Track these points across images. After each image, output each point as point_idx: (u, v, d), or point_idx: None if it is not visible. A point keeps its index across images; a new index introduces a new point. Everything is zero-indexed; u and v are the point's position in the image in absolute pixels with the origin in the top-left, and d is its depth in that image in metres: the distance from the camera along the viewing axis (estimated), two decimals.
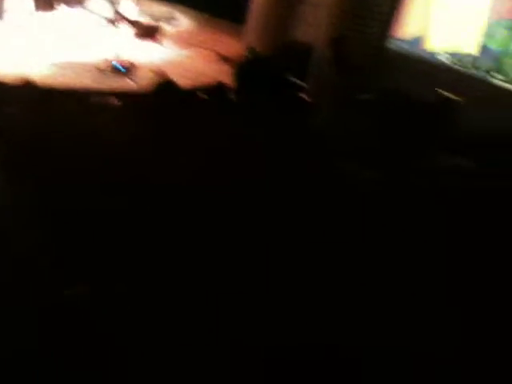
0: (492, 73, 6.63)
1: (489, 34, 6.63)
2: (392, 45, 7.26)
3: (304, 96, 5.99)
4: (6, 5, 8.32)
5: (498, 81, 6.60)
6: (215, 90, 3.77)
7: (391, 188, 2.65)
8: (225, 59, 8.06)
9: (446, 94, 5.89)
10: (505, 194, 2.92)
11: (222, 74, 6.04)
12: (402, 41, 7.25)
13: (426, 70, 6.84)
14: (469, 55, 6.80)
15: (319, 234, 2.38)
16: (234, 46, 8.69)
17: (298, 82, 6.61)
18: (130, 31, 9.04)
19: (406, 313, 1.98)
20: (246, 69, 3.19)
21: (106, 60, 7.01)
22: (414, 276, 2.25)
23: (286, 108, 3.56)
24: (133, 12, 9.41)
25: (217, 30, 9.48)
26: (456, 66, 6.87)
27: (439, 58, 7.04)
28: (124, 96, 4.84)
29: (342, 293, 2.10)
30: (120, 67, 6.87)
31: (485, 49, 6.67)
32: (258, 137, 2.83)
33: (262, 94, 3.02)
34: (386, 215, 2.56)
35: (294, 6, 8.30)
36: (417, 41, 7.16)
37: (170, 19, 9.67)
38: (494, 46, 6.64)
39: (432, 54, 7.07)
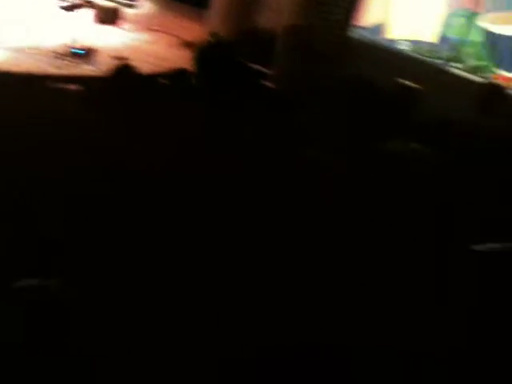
0: (450, 61, 6.77)
1: (447, 24, 6.75)
2: (354, 33, 7.31)
3: (267, 82, 5.98)
4: None
5: (455, 69, 6.73)
6: (176, 76, 3.72)
7: (351, 171, 2.68)
8: (187, 44, 7.95)
9: (405, 81, 5.98)
10: (458, 178, 2.98)
11: (184, 60, 5.97)
12: (364, 29, 7.31)
13: (386, 58, 6.91)
14: (428, 44, 6.91)
15: (289, 223, 2.37)
16: (196, 31, 8.58)
17: (261, 68, 6.60)
18: (90, 15, 8.83)
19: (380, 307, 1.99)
20: (206, 54, 3.15)
21: (65, 45, 6.83)
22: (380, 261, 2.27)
23: (248, 94, 3.55)
24: None
25: (179, 14, 9.35)
26: (415, 54, 6.97)
27: (400, 46, 7.13)
28: (83, 81, 4.74)
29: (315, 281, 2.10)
30: (79, 52, 6.71)
31: (444, 38, 6.79)
32: (220, 122, 2.82)
33: (223, 80, 2.99)
34: (347, 198, 2.58)
35: None
36: (378, 29, 7.24)
37: (130, 3, 9.48)
38: (452, 35, 6.76)
39: (393, 42, 7.15)
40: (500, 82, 6.42)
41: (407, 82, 5.86)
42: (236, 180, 2.63)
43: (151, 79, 3.82)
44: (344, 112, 3.04)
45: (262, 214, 2.42)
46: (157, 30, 8.75)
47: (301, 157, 2.78)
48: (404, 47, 7.11)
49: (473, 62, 6.68)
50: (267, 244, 2.19)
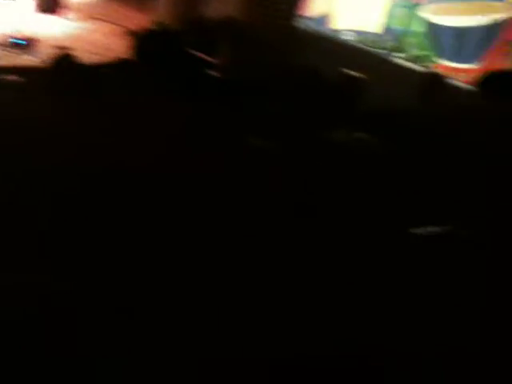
0: (393, 51, 6.92)
1: (391, 14, 6.88)
2: (300, 23, 7.37)
3: (212, 71, 5.96)
4: None
5: (398, 59, 6.89)
6: (119, 65, 3.67)
7: (296, 160, 2.71)
8: (131, 33, 7.82)
9: (350, 71, 6.08)
10: (403, 167, 3.06)
11: (128, 49, 5.87)
12: (310, 19, 7.37)
13: (331, 48, 7.00)
14: (372, 34, 7.04)
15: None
16: (141, 20, 8.44)
17: (206, 57, 6.57)
18: (31, 4, 8.55)
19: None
20: (147, 42, 3.11)
21: (4, 34, 6.62)
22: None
23: (192, 83, 3.53)
24: None
25: (124, 3, 9.17)
26: (360, 45, 7.08)
27: (345, 36, 7.23)
28: (23, 72, 4.60)
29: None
30: (19, 42, 6.50)
31: (387, 28, 6.92)
32: (164, 112, 2.79)
33: (165, 69, 2.96)
34: (292, 187, 2.61)
35: None
36: (323, 19, 7.31)
37: None
38: (395, 25, 6.90)
39: (338, 33, 7.24)
40: (441, 71, 6.61)
41: (352, 72, 5.96)
42: (182, 169, 2.62)
43: (93, 69, 3.75)
44: (289, 101, 3.07)
45: (209, 204, 2.43)
46: (100, 19, 8.55)
47: (246, 145, 2.79)
48: (349, 38, 7.21)
49: (415, 52, 6.85)
50: (207, 235, 2.20)
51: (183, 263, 2.09)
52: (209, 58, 5.94)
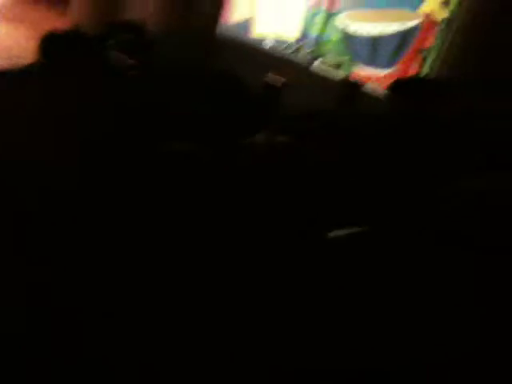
0: (311, 58, 7.10)
1: (309, 22, 7.06)
2: (220, 30, 7.42)
3: (134, 74, 5.85)
4: None
5: (316, 65, 7.08)
6: (31, 69, 3.53)
7: (215, 164, 2.70)
8: (46, 36, 7.56)
9: (268, 79, 6.19)
10: (316, 169, 3.13)
11: (40, 52, 5.69)
12: (230, 25, 7.43)
13: (252, 55, 7.10)
14: (291, 41, 7.19)
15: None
16: (59, 23, 8.19)
17: (126, 59, 6.44)
18: None
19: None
20: (53, 43, 3.01)
21: None
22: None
23: (109, 85, 3.46)
24: None
25: (40, 4, 8.88)
26: (279, 52, 7.22)
27: (264, 43, 7.34)
28: None
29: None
30: None
31: (305, 35, 7.10)
32: (73, 114, 2.71)
33: (75, 71, 2.88)
34: (210, 191, 2.60)
35: None
36: (243, 25, 7.39)
37: None
38: (313, 32, 7.08)
39: (258, 39, 7.35)
40: (357, 77, 6.85)
41: (270, 80, 6.07)
42: (97, 172, 2.56)
43: (4, 74, 3.59)
44: (209, 106, 3.07)
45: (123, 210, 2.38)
46: (13, 21, 8.23)
47: (164, 150, 2.76)
48: (269, 44, 7.33)
49: (332, 59, 7.06)
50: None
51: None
52: (124, 61, 5.83)
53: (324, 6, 6.92)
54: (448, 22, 6.28)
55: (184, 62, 6.31)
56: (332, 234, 2.48)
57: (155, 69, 5.74)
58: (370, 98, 6.32)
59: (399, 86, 3.93)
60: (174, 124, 3.06)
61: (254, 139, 3.31)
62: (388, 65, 6.82)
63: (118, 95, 3.52)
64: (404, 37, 6.65)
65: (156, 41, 6.86)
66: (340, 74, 6.84)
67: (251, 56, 7.12)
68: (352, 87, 6.69)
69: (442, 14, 6.39)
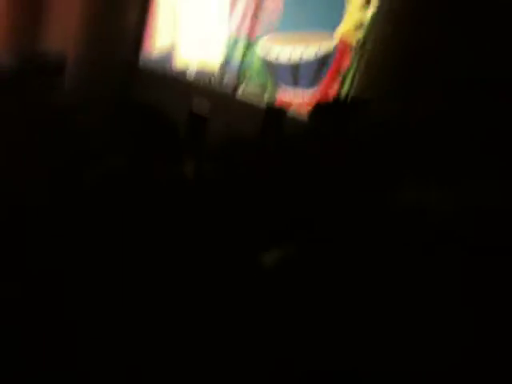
0: (234, 85, 7.20)
1: (230, 50, 7.17)
2: (142, 60, 7.40)
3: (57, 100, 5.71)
4: None
5: (240, 92, 7.19)
6: None
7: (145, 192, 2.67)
8: None
9: (194, 109, 6.21)
10: (248, 195, 3.16)
11: None
12: (151, 55, 7.43)
13: (176, 84, 7.12)
14: (213, 69, 7.27)
15: None
16: None
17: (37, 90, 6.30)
18: None
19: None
20: None
21: None
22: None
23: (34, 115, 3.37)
24: None
25: None
26: (202, 81, 7.28)
27: (188, 72, 7.38)
28: None
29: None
30: None
31: (227, 63, 7.20)
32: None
33: None
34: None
35: (36, 14, 7.90)
36: (165, 56, 7.41)
37: None
38: (234, 60, 7.19)
39: (181, 68, 7.38)
40: (280, 102, 7.01)
41: (195, 109, 6.09)
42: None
43: None
44: (129, 139, 3.03)
45: None
46: None
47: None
48: (192, 73, 7.37)
49: (255, 85, 7.18)
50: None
51: None
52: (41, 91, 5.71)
53: (244, 34, 7.05)
54: (361, 44, 6.57)
55: (105, 93, 6.26)
56: (265, 258, 2.50)
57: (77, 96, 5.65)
58: (294, 123, 6.46)
59: (319, 111, 4.06)
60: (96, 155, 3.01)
61: (180, 169, 3.30)
62: (310, 87, 7.01)
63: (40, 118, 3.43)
64: (322, 60, 6.87)
65: (76, 72, 6.76)
66: (264, 100, 6.97)
67: (175, 86, 7.14)
68: (276, 113, 6.83)
69: (356, 37, 6.67)
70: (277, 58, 6.99)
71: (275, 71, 7.03)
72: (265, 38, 6.96)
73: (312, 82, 6.97)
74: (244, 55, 7.11)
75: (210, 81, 7.27)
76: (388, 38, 6.04)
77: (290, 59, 6.92)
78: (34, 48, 8.05)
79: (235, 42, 7.09)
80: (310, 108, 6.36)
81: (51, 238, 2.38)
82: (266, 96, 7.08)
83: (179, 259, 2.32)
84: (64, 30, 7.45)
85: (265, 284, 2.22)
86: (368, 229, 2.02)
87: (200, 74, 7.33)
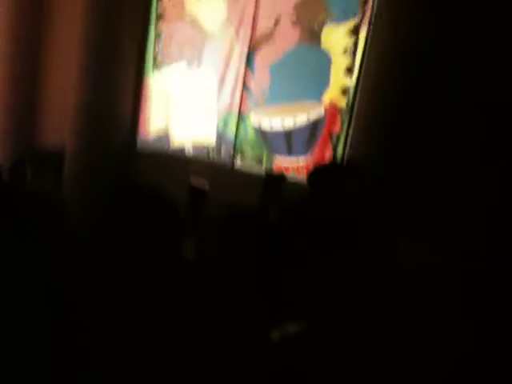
0: (231, 158, 7.36)
1: (223, 124, 7.38)
2: (139, 143, 7.60)
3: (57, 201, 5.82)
4: None
5: (238, 164, 7.34)
6: None
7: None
8: None
9: (193, 184, 6.33)
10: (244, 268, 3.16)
11: None
12: (147, 138, 7.63)
13: (174, 163, 7.27)
14: (209, 144, 7.45)
15: None
16: None
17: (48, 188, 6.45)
18: None
19: None
20: None
21: None
22: None
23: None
24: None
25: None
26: (200, 156, 7.45)
27: (184, 150, 7.55)
28: None
29: None
30: None
31: (222, 137, 7.38)
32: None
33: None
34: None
35: (31, 112, 8.20)
36: (161, 137, 7.61)
37: None
38: (229, 134, 7.38)
39: (178, 147, 7.56)
40: (278, 170, 7.14)
41: (194, 184, 6.21)
42: None
43: None
44: (134, 222, 3.06)
45: None
46: None
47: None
48: (189, 151, 7.54)
49: (252, 156, 7.34)
50: None
51: None
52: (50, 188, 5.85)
53: (236, 108, 7.27)
54: (349, 108, 6.77)
55: (105, 177, 6.40)
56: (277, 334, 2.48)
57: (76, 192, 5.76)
58: (294, 187, 6.54)
59: (317, 174, 4.13)
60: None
61: (180, 248, 3.32)
62: (303, 154, 7.16)
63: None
64: (313, 126, 7.06)
65: (74, 166, 6.94)
66: (262, 169, 7.09)
67: (173, 164, 7.29)
68: (276, 178, 6.94)
69: (343, 102, 6.88)
70: (270, 127, 7.18)
71: (269, 140, 7.19)
72: (256, 110, 7.17)
73: (306, 148, 7.11)
74: (238, 128, 7.30)
75: (207, 155, 7.43)
76: (372, 100, 6.24)
77: (283, 126, 7.10)
78: (31, 142, 8.29)
79: (227, 116, 7.31)
80: (307, 172, 6.51)
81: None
82: (264, 165, 7.22)
83: (181, 343, 2.31)
84: (60, 121, 7.72)
85: (270, 360, 2.20)
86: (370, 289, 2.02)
87: (197, 149, 7.50)
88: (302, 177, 6.78)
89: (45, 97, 8.43)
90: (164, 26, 7.33)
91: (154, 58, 7.42)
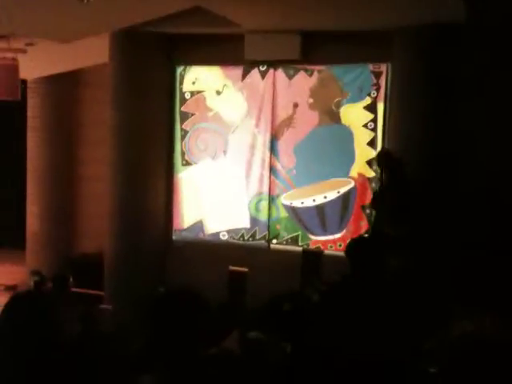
0: (267, 240, 7.43)
1: (255, 208, 7.50)
2: (176, 236, 7.76)
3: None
4: None
5: (274, 245, 7.39)
6: None
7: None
8: (10, 289, 7.68)
9: (232, 268, 6.36)
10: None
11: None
12: (184, 229, 7.78)
13: (211, 250, 7.36)
14: (243, 229, 7.55)
15: None
16: (18, 273, 8.37)
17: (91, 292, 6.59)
18: None
19: None
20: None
21: None
22: None
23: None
24: None
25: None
26: (235, 241, 7.53)
27: (219, 237, 7.66)
28: None
29: None
30: None
31: (256, 221, 7.48)
32: None
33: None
34: None
35: (70, 220, 8.53)
36: (197, 227, 7.75)
37: None
38: (262, 217, 7.48)
39: (213, 234, 7.67)
40: (315, 247, 7.15)
41: (234, 268, 6.23)
42: None
43: None
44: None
45: None
46: None
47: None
48: (223, 237, 7.65)
49: (287, 235, 7.39)
50: None
51: None
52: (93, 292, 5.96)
53: (265, 192, 7.41)
54: (376, 180, 6.83)
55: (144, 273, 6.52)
56: None
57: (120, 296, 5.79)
58: (332, 261, 6.51)
59: (354, 247, 4.11)
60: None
61: (227, 341, 3.31)
62: (339, 228, 7.17)
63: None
64: (344, 200, 7.11)
65: (115, 269, 7.09)
66: (297, 248, 7.10)
67: (209, 251, 7.38)
68: (313, 255, 6.91)
69: (370, 173, 6.96)
70: (302, 207, 7.27)
71: (303, 218, 7.24)
72: (289, 192, 7.29)
73: (339, 222, 7.11)
74: (270, 210, 7.41)
75: (242, 238, 7.52)
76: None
77: (314, 205, 7.17)
78: (70, 249, 8.53)
79: (258, 201, 7.43)
80: (342, 244, 6.48)
81: None
82: (300, 243, 7.25)
83: None
84: (97, 227, 7.99)
85: None
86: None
87: (231, 234, 7.60)
88: (339, 250, 6.77)
89: (82, 205, 8.80)
90: (188, 125, 7.67)
91: (182, 156, 7.70)
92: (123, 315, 5.50)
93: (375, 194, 6.32)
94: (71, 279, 5.33)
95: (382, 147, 6.67)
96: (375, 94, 6.86)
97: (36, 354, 2.24)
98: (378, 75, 6.84)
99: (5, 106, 7.51)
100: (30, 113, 8.61)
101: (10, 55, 6.73)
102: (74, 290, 5.58)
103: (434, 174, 6.04)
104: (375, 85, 6.85)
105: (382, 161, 5.98)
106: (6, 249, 9.41)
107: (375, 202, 6.22)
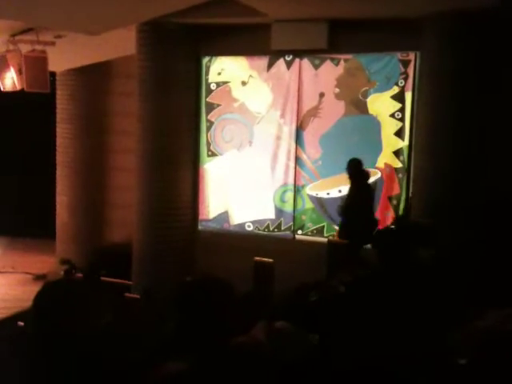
0: (293, 231, 7.43)
1: (281, 198, 7.50)
2: (201, 226, 7.81)
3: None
4: None
5: (299, 236, 7.38)
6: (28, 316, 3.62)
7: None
8: (40, 278, 7.85)
9: (257, 258, 6.38)
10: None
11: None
12: (209, 220, 7.83)
13: (237, 240, 7.40)
14: (268, 220, 7.55)
15: None
16: (48, 263, 8.53)
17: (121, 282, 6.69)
18: None
19: None
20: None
21: None
22: None
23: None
24: None
25: (28, 249, 9.29)
26: (260, 232, 7.55)
27: (245, 228, 7.68)
28: None
29: None
30: None
31: (280, 211, 7.48)
32: None
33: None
34: None
35: (99, 210, 8.65)
36: (222, 217, 7.79)
37: None
38: (287, 207, 7.47)
39: (239, 225, 7.70)
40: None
41: (259, 259, 6.25)
42: None
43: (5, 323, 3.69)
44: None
45: None
46: (7, 270, 8.52)
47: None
48: (248, 228, 7.66)
49: (312, 226, 7.37)
50: None
51: None
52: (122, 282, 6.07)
53: (291, 183, 7.39)
54: (404, 168, 6.78)
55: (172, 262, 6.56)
56: None
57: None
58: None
59: (381, 237, 4.08)
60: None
61: (254, 330, 3.32)
62: None
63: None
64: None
65: (142, 260, 7.15)
66: (323, 239, 7.08)
67: (235, 241, 7.41)
68: (340, 247, 6.89)
69: (397, 164, 6.89)
70: (328, 198, 7.24)
71: (328, 209, 7.21)
72: (315, 183, 7.27)
73: None
74: (295, 200, 7.40)
75: (267, 229, 7.53)
76: (427, 158, 6.22)
77: (340, 191, 7.13)
78: (100, 242, 8.65)
79: (284, 192, 7.43)
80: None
81: None
82: (325, 231, 7.23)
83: None
84: (126, 217, 8.09)
85: None
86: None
87: (257, 227, 7.61)
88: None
89: (110, 195, 8.92)
90: (214, 116, 7.68)
91: (208, 147, 7.73)
92: (151, 304, 5.57)
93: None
94: (103, 270, 5.43)
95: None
96: (403, 83, 6.77)
97: (67, 342, 2.29)
98: (406, 64, 6.75)
99: (34, 98, 7.62)
100: (58, 105, 8.74)
101: (39, 48, 6.84)
102: (103, 279, 5.69)
103: (464, 166, 5.95)
104: (403, 74, 6.76)
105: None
106: (36, 238, 9.59)
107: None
